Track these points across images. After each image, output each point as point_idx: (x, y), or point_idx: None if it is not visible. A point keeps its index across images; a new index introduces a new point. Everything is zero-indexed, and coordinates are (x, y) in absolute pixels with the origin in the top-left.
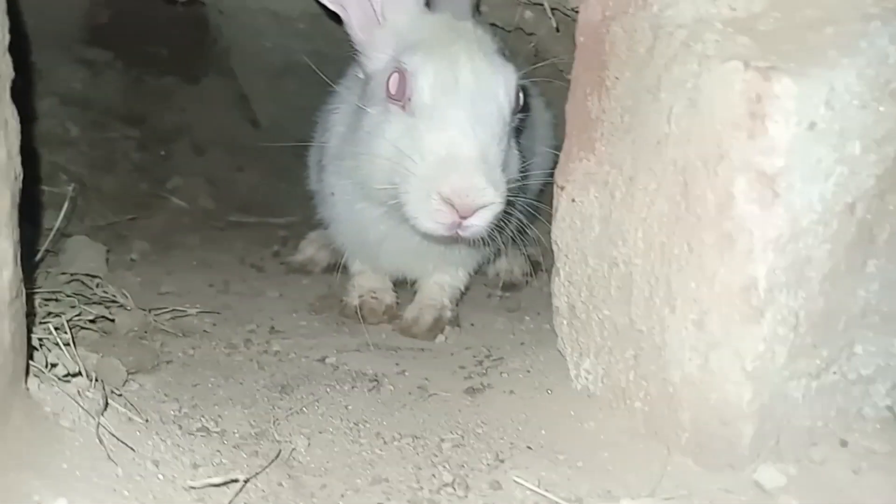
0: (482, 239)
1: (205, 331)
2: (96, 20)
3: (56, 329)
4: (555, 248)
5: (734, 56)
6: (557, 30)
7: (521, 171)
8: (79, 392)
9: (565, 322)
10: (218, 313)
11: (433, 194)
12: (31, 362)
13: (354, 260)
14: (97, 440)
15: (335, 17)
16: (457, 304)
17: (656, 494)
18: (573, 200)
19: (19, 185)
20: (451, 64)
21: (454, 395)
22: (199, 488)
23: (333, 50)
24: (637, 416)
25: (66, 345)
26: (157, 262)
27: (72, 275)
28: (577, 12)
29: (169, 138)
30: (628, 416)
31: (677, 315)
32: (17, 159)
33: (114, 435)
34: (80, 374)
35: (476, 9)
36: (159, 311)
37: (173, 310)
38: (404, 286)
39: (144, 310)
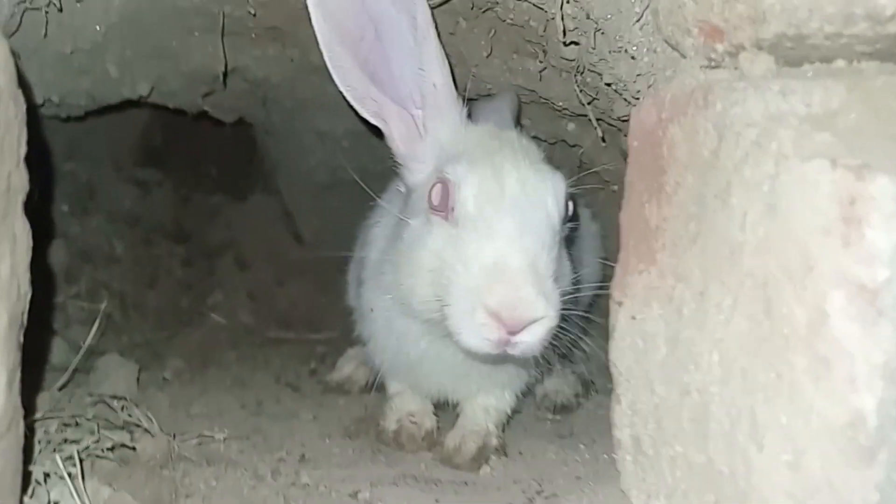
0: (533, 358)
1: (231, 458)
2: (150, 142)
3: (68, 459)
4: (614, 371)
5: (817, 154)
6: (603, 140)
7: (574, 283)
8: None
9: (629, 458)
10: (247, 438)
11: (478, 307)
12: (28, 501)
13: (393, 380)
14: None
15: (377, 132)
16: (503, 430)
17: None
18: (633, 318)
19: (25, 304)
20: (495, 172)
21: None
22: None
23: (376, 165)
24: None
25: (72, 478)
26: (190, 380)
27: (98, 396)
28: (624, 121)
29: (214, 254)
30: None
31: (766, 454)
32: (25, 276)
33: None
34: None
35: (517, 122)
36: (185, 438)
37: (200, 435)
38: (445, 409)
39: (169, 435)
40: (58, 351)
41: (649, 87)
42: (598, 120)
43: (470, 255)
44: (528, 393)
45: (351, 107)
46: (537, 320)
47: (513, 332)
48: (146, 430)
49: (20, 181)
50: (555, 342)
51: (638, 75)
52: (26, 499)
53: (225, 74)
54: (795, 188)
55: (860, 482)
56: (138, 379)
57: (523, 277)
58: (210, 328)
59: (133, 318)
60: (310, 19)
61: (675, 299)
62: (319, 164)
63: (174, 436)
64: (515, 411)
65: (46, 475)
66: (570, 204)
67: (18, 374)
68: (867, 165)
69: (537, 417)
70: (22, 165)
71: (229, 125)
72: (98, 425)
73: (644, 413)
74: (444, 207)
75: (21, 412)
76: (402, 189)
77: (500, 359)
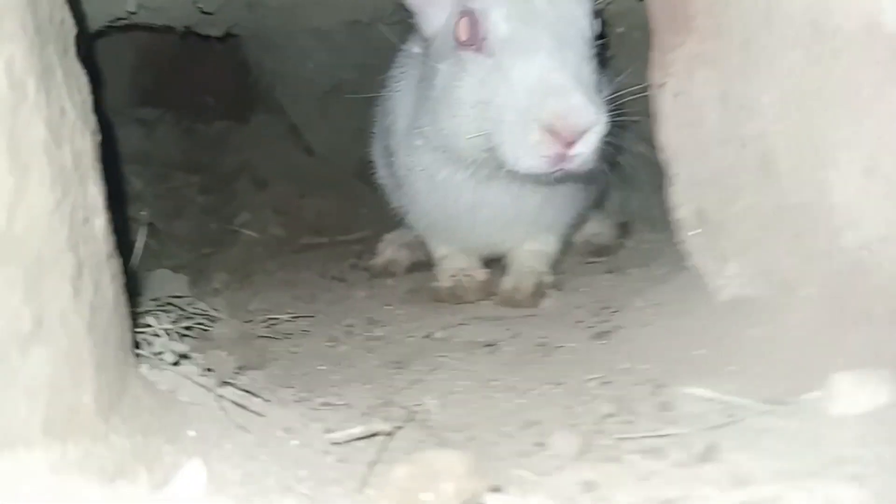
0: (587, 175)
1: (303, 331)
2: (141, 82)
3: (156, 319)
4: (665, 155)
5: None
6: None
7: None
8: (191, 376)
9: (696, 231)
10: (312, 317)
11: (532, 126)
12: (137, 352)
13: (439, 244)
14: (221, 411)
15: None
16: (553, 272)
17: (868, 366)
18: (678, 94)
19: (98, 141)
20: None
21: (581, 344)
22: (342, 443)
23: (374, 60)
24: (812, 305)
25: (169, 334)
26: (239, 288)
27: (159, 299)
28: None
29: (230, 179)
30: (801, 307)
31: (841, 169)
32: (93, 117)
33: (238, 404)
34: (188, 357)
35: None
36: (254, 322)
37: (268, 317)
38: (492, 265)
39: (240, 320)
40: None
41: None
42: None
43: (513, 77)
44: (569, 241)
45: None
46: (590, 128)
47: (569, 144)
48: (215, 319)
49: (70, 20)
50: (604, 157)
51: None
52: None
53: None
54: None
55: None
56: (190, 290)
57: (571, 88)
58: (245, 244)
59: (167, 244)
60: None
61: (720, 59)
62: (318, 68)
63: (244, 322)
64: (560, 256)
65: (142, 335)
66: (599, 19)
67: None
68: None
69: (581, 262)
70: (67, 6)
71: (219, 46)
72: (170, 314)
73: (704, 182)
74: (474, 40)
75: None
76: (418, 48)
77: (558, 179)
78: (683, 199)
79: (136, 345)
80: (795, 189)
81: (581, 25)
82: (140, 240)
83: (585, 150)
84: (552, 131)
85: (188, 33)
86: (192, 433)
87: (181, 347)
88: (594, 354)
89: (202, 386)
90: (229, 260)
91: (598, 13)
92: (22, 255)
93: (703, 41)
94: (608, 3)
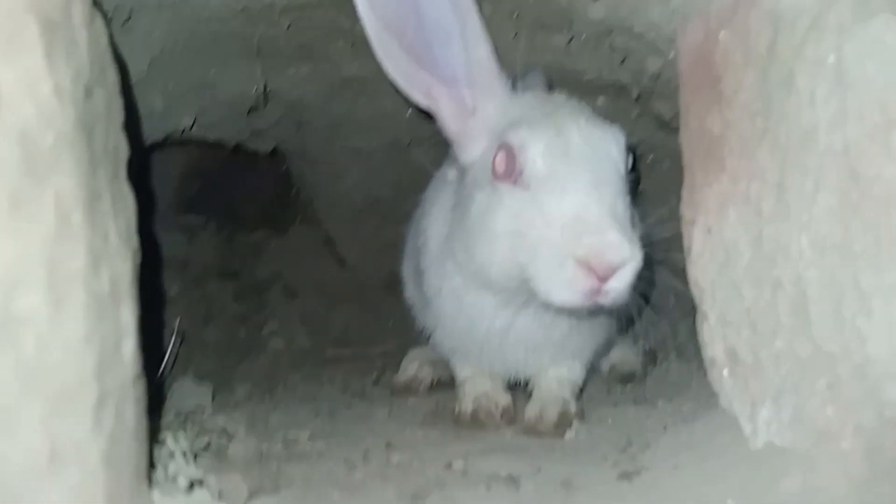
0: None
1: (319, 453)
2: (187, 190)
3: (174, 439)
4: (695, 290)
5: (878, 11)
6: (637, 98)
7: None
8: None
9: (726, 371)
10: (330, 437)
11: (567, 260)
12: (151, 472)
13: (463, 365)
14: None
15: (428, 115)
16: (577, 400)
17: None
18: (709, 231)
19: (138, 261)
20: (558, 130)
21: (606, 485)
22: None
23: (408, 180)
24: (851, 458)
25: (185, 456)
26: (261, 400)
27: (180, 412)
28: (656, 79)
29: (263, 287)
30: (839, 461)
31: (877, 319)
32: (136, 237)
33: None
34: (202, 483)
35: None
36: (271, 442)
37: (285, 437)
38: (515, 389)
39: (256, 438)
40: None
41: (684, 21)
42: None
43: (549, 212)
44: (594, 367)
45: (385, 116)
46: (625, 264)
47: (603, 279)
48: (232, 436)
49: (124, 145)
50: (638, 290)
51: (673, 12)
52: None
53: (265, 91)
54: (862, 52)
55: None
56: (212, 401)
57: (607, 225)
58: (270, 354)
59: (195, 352)
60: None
61: (752, 199)
62: (355, 185)
63: (260, 440)
64: (584, 385)
65: (156, 456)
66: (631, 155)
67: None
68: None
69: (607, 390)
70: (122, 132)
71: (264, 160)
72: (189, 429)
73: (735, 322)
74: (510, 173)
75: (142, 367)
76: (452, 175)
77: (590, 312)
78: (714, 337)
79: (152, 464)
80: (831, 337)
81: (616, 161)
82: (170, 351)
83: (620, 286)
84: (588, 266)
85: (237, 148)
86: None
87: (195, 473)
88: (620, 498)
89: None
90: (254, 370)
91: (630, 148)
92: (47, 387)
93: (736, 181)
94: (644, 140)
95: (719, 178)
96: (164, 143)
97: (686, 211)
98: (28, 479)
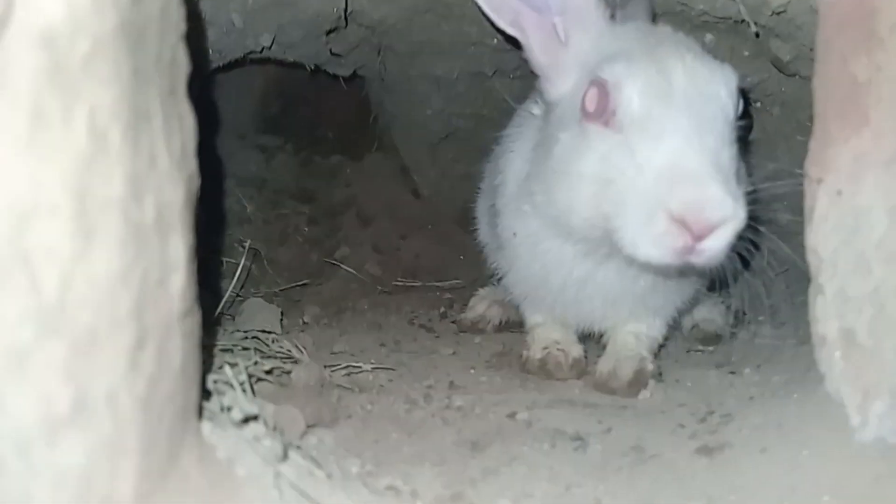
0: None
1: (381, 386)
2: (267, 109)
3: (232, 369)
4: (814, 259)
5: None
6: (757, 35)
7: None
8: (256, 438)
9: (839, 354)
10: (393, 370)
11: (659, 214)
12: (204, 403)
13: (534, 312)
14: (276, 492)
15: (515, 43)
16: (655, 358)
17: None
18: (839, 193)
19: (196, 185)
20: (660, 67)
21: (682, 457)
22: None
23: (491, 111)
24: None
25: (243, 389)
26: (328, 325)
27: (247, 332)
28: (779, 14)
29: (337, 212)
30: None
31: None
32: (194, 160)
33: (295, 487)
34: (257, 418)
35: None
36: (334, 367)
37: (348, 365)
38: (588, 341)
39: (320, 365)
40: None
41: None
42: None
43: (642, 159)
44: (676, 324)
45: (470, 43)
46: (725, 223)
47: (699, 237)
48: (297, 361)
49: (183, 58)
50: (735, 249)
51: None
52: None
53: (346, 11)
54: None
55: None
56: (281, 322)
57: (708, 176)
58: (340, 279)
59: (267, 272)
60: None
61: None
62: (435, 114)
63: (325, 366)
64: (666, 341)
65: (215, 382)
66: (742, 99)
67: (193, 258)
68: None
69: (688, 350)
70: (183, 42)
71: (343, 84)
72: (254, 353)
73: (858, 300)
74: (601, 113)
75: (196, 299)
76: (536, 111)
77: (681, 271)
78: (829, 313)
79: (207, 393)
80: None
81: (723, 105)
82: (239, 270)
83: (716, 246)
84: (681, 222)
85: (317, 70)
86: None
87: (251, 408)
88: (696, 475)
89: (263, 459)
90: (323, 293)
91: (743, 91)
92: (69, 329)
93: (880, 138)
94: (755, 83)
95: (860, 132)
96: (244, 61)
97: (812, 168)
98: (44, 431)
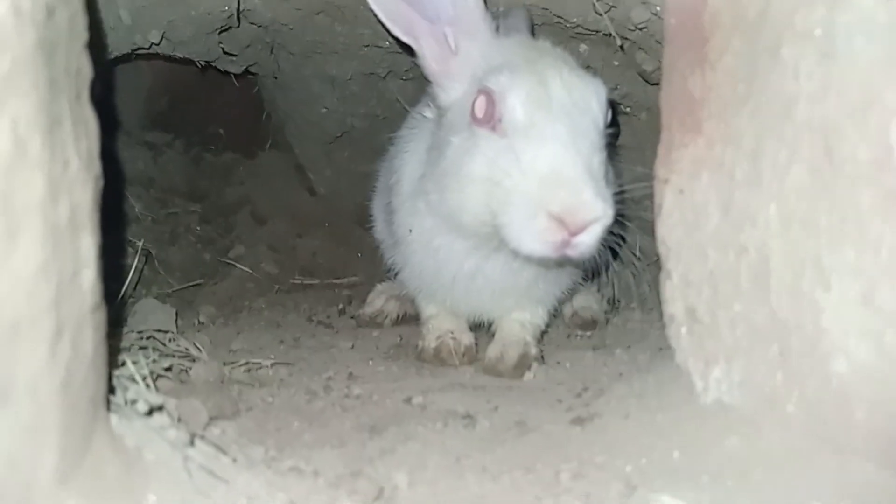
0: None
1: (281, 380)
2: (155, 105)
3: (135, 364)
4: (662, 248)
5: None
6: (622, 48)
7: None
8: (162, 428)
9: (684, 329)
10: (292, 364)
11: (540, 213)
12: (110, 398)
13: (428, 304)
14: (185, 473)
15: (407, 48)
16: (538, 343)
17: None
18: (681, 192)
19: (100, 187)
20: (540, 79)
21: (559, 427)
22: None
23: (385, 111)
24: (792, 423)
25: (146, 382)
26: (225, 324)
27: (142, 332)
28: (641, 29)
29: (230, 211)
30: (780, 425)
31: (834, 295)
32: (98, 162)
33: (204, 468)
34: (161, 409)
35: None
36: (233, 364)
37: (247, 362)
38: (478, 329)
39: (219, 362)
40: None
41: None
42: (615, 33)
43: (525, 162)
44: (557, 312)
45: (363, 45)
46: (596, 221)
47: (574, 234)
48: (195, 359)
49: (87, 65)
50: (607, 243)
51: None
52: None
53: (238, 10)
54: (851, 27)
55: None
56: (176, 322)
57: (582, 181)
58: (236, 279)
59: (160, 272)
60: None
61: (726, 164)
62: (329, 113)
63: (224, 363)
64: (546, 329)
65: (117, 378)
66: (611, 109)
67: (100, 255)
68: None
69: (568, 335)
70: (86, 50)
71: (235, 81)
72: (152, 352)
73: (698, 282)
74: (489, 119)
75: (103, 294)
76: (429, 114)
77: (558, 262)
78: (676, 295)
79: (111, 388)
80: (788, 306)
81: (595, 115)
82: (133, 270)
83: (588, 240)
84: (559, 220)
85: (207, 66)
86: (153, 498)
87: (155, 399)
88: (570, 441)
89: (170, 444)
90: (219, 293)
91: (612, 102)
92: None
93: (712, 146)
94: (625, 92)
95: (696, 140)
96: (130, 56)
97: (660, 170)
98: None
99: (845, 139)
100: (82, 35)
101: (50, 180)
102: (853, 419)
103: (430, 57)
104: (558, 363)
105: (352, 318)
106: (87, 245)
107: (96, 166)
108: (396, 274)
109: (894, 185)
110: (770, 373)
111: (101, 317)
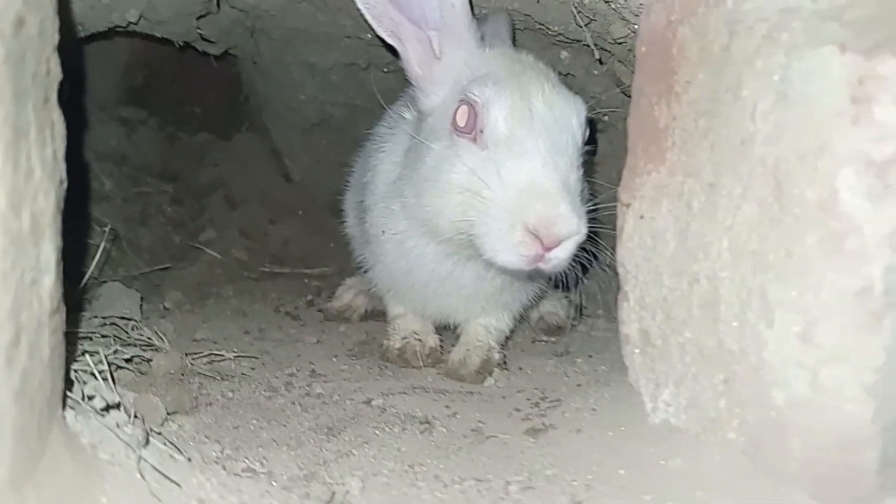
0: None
1: (243, 374)
2: (131, 81)
3: (92, 358)
4: (622, 270)
5: (828, 41)
6: (601, 62)
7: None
8: (118, 425)
9: (637, 351)
10: (256, 358)
11: (517, 226)
12: (67, 393)
13: (396, 304)
14: (138, 475)
15: (391, 47)
16: (503, 348)
17: None
18: (642, 217)
19: (63, 191)
20: (523, 94)
21: (514, 437)
22: None
23: (365, 101)
24: (732, 449)
25: (104, 378)
26: (191, 311)
27: (105, 318)
28: (620, 44)
29: (203, 193)
30: (722, 450)
31: (777, 329)
32: (63, 165)
33: (157, 470)
34: (118, 406)
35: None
36: (196, 356)
37: (210, 353)
38: (445, 331)
39: (181, 353)
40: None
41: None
42: (594, 45)
43: (505, 175)
44: (523, 318)
45: (345, 36)
46: (571, 237)
47: (548, 248)
48: (157, 349)
49: (56, 67)
50: (579, 258)
51: None
52: None
53: None
54: (807, 75)
55: (869, 346)
56: (141, 307)
57: (559, 196)
58: (205, 264)
59: (128, 253)
60: None
61: (685, 194)
62: (309, 100)
63: (186, 354)
64: (512, 332)
65: (76, 372)
66: (589, 128)
67: (61, 258)
68: (875, 47)
69: (533, 340)
70: (56, 53)
71: (214, 62)
72: (113, 340)
73: (652, 306)
74: (470, 129)
75: (62, 297)
76: (408, 115)
77: (530, 275)
78: (632, 317)
79: (70, 382)
80: (734, 336)
81: (574, 132)
82: (100, 252)
83: (562, 255)
84: (535, 234)
85: (186, 46)
86: (104, 500)
87: (112, 396)
88: (524, 452)
89: (125, 443)
90: (187, 278)
91: (590, 120)
92: None
93: (673, 175)
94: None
95: (658, 168)
96: (108, 33)
97: (623, 193)
98: None
99: (795, 181)
100: (53, 38)
101: (11, 192)
102: (789, 449)
103: (413, 60)
104: (520, 369)
105: (319, 310)
106: (48, 252)
107: (61, 170)
108: (366, 271)
109: (838, 229)
110: (715, 399)
111: (60, 319)
